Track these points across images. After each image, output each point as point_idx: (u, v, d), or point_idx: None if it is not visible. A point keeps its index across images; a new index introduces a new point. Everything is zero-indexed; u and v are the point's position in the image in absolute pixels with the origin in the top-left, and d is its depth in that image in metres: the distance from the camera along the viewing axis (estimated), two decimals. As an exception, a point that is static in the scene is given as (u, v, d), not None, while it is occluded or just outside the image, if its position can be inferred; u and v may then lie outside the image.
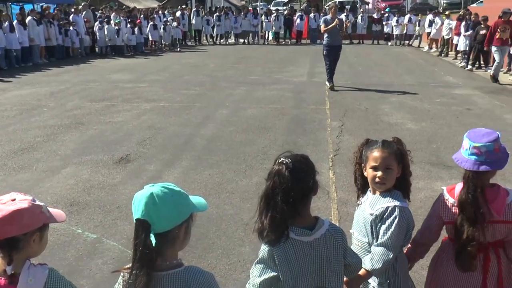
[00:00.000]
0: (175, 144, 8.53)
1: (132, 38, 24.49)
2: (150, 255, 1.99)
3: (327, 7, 31.89)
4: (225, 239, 5.21)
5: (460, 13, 22.57)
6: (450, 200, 2.89)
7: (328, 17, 13.90)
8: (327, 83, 14.10)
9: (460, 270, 2.86)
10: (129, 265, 2.05)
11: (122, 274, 2.12)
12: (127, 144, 8.54)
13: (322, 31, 14.05)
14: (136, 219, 2.02)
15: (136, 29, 24.63)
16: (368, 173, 2.86)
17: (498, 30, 14.54)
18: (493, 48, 15.12)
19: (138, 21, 25.60)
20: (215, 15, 29.76)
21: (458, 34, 20.48)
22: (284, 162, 2.36)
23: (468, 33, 18.75)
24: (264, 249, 2.43)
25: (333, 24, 13.30)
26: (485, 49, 16.03)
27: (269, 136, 9.02)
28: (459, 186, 2.88)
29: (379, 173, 2.80)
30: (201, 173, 7.10)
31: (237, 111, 11.19)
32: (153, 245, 1.98)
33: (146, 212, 1.99)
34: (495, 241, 2.85)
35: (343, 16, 28.70)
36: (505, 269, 2.90)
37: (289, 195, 2.33)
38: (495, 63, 15.09)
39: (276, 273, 2.41)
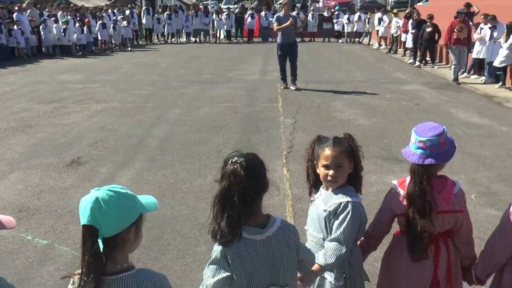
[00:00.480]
0: (128, 145, 8.41)
1: (82, 38, 23.91)
2: (99, 260, 1.94)
3: (278, 5, 32.15)
4: (180, 240, 5.18)
5: (407, 11, 23.08)
6: (401, 193, 2.94)
7: (281, 14, 13.61)
8: (292, 87, 13.61)
9: (412, 261, 2.92)
10: (79, 270, 2.00)
11: (71, 280, 2.07)
12: (78, 146, 8.36)
13: (275, 30, 13.81)
14: (82, 225, 1.98)
15: (85, 28, 24.08)
16: (320, 171, 2.88)
17: (455, 30, 14.52)
18: (452, 49, 15.06)
19: (87, 20, 25.02)
20: (165, 13, 29.43)
21: (406, 32, 21.02)
22: (238, 161, 2.34)
23: (414, 31, 19.19)
24: (216, 250, 2.42)
25: (287, 24, 12.97)
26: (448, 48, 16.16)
27: (223, 135, 9.01)
28: (409, 178, 2.93)
29: (330, 172, 2.82)
30: (154, 174, 7.02)
31: (190, 110, 11.12)
32: (102, 249, 1.94)
33: (92, 218, 1.95)
34: (444, 231, 2.93)
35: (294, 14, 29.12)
36: (454, 258, 2.99)
37: (246, 194, 2.33)
38: (453, 65, 15.06)
39: (230, 273, 2.40)
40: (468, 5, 16.50)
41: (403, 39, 22.08)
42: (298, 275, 2.75)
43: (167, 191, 6.43)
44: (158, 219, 5.51)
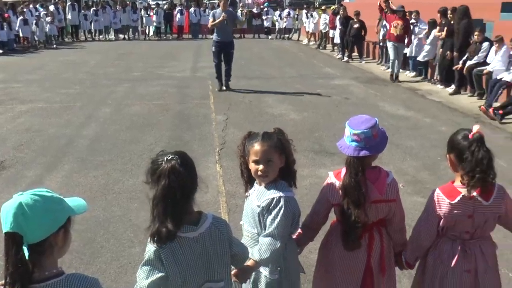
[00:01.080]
0: (56, 147, 8.15)
1: (1, 34, 22.61)
2: (24, 269, 1.87)
3: (207, 2, 32.10)
4: (114, 242, 5.08)
5: (334, 7, 23.55)
6: (337, 184, 3.02)
7: (218, 10, 12.82)
8: (224, 87, 12.93)
9: (346, 250, 3.01)
10: (3, 281, 1.92)
11: None
12: (1, 149, 8.01)
13: (209, 26, 13.38)
14: (4, 233, 1.90)
15: (4, 25, 22.82)
16: (251, 166, 2.90)
17: (392, 25, 14.38)
18: (389, 45, 14.84)
19: (6, 15, 23.75)
20: (92, 9, 28.60)
21: (334, 28, 21.44)
22: (174, 158, 2.33)
23: (341, 27, 19.59)
24: (150, 250, 2.39)
25: (219, 19, 12.31)
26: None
27: (154, 133, 8.90)
28: (344, 170, 3.01)
29: (260, 167, 2.84)
30: (85, 176, 6.84)
31: (120, 108, 10.91)
32: (27, 257, 1.86)
33: (15, 224, 1.87)
34: (378, 220, 3.04)
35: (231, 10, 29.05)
36: (387, 246, 3.11)
37: (187, 189, 2.34)
38: (391, 61, 14.86)
39: (164, 273, 2.38)
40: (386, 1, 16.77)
41: (331, 35, 22.52)
42: (234, 271, 2.77)
43: (99, 192, 6.29)
44: (90, 221, 5.39)
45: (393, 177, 3.05)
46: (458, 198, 2.85)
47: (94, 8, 28.67)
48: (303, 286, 4.01)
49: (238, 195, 5.87)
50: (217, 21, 12.41)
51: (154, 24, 29.85)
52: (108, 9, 28.91)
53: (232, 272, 2.76)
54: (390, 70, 14.96)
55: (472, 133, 2.82)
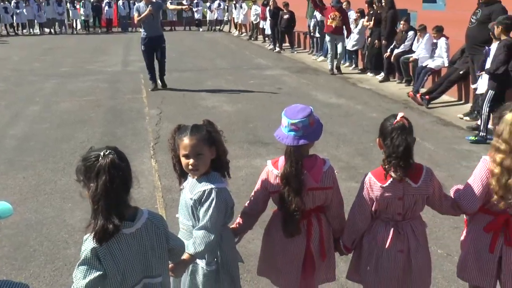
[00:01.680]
0: (-19, 148, 7.79)
1: None
2: None
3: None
4: (48, 244, 4.92)
5: None
6: (275, 172, 3.07)
7: (142, 4, 11.86)
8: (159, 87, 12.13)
9: (285, 237, 3.07)
10: None
11: None
12: None
13: (135, 22, 12.55)
14: None
15: None
16: (182, 160, 2.90)
17: (329, 17, 13.93)
18: (326, 37, 14.62)
19: None
20: (13, 1, 27.35)
21: (264, 19, 21.55)
22: (111, 153, 2.30)
23: (271, 18, 19.69)
24: (86, 249, 2.34)
25: (145, 13, 11.36)
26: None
27: (87, 130, 8.67)
28: (282, 159, 3.06)
29: (190, 161, 2.84)
30: (14, 177, 6.58)
31: (50, 106, 10.55)
32: None
33: None
34: (316, 206, 3.10)
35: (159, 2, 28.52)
36: (326, 231, 3.18)
37: (127, 183, 2.35)
38: (329, 54, 14.51)
39: (102, 272, 2.34)
40: None
41: (261, 26, 22.62)
42: (170, 265, 2.76)
43: (30, 194, 6.06)
44: (21, 225, 5.20)
45: (330, 164, 3.12)
46: (389, 181, 2.95)
47: (15, 0, 27.43)
48: (242, 276, 4.06)
49: (174, 189, 5.81)
50: (142, 15, 11.44)
51: (82, 17, 28.98)
52: (31, 1, 27.74)
53: (169, 266, 2.76)
54: (329, 64, 14.41)
55: (395, 121, 2.93)
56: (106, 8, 29.08)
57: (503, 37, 7.82)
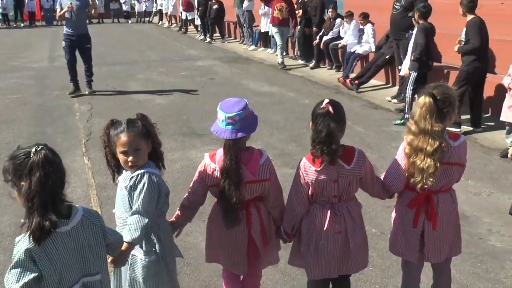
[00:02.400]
0: None
1: None
2: None
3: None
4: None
5: None
6: (212, 166, 3.08)
7: None
8: (86, 91, 10.77)
9: (226, 228, 3.11)
10: None
11: None
12: None
13: (57, 18, 11.82)
14: None
15: None
16: (120, 157, 2.88)
17: (275, 8, 13.25)
18: (273, 29, 13.91)
19: None
20: None
21: (187, 10, 21.42)
22: (43, 149, 2.24)
23: (200, 8, 19.52)
24: (20, 251, 2.24)
25: (64, 9, 10.16)
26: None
27: (13, 129, 8.30)
28: (219, 152, 3.07)
29: (130, 158, 2.84)
30: None
31: (-29, 106, 10.06)
32: None
33: None
34: (253, 197, 3.14)
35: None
36: (266, 218, 3.23)
37: (63, 178, 2.31)
38: (278, 47, 13.80)
39: (37, 274, 2.25)
40: None
41: (184, 17, 22.34)
42: (110, 258, 2.73)
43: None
44: None
45: (267, 156, 3.15)
46: (323, 164, 3.01)
47: None
48: (182, 269, 4.05)
49: (109, 186, 5.70)
50: (62, 11, 10.25)
51: (0, 10, 27.58)
52: None
53: (109, 260, 2.73)
54: (280, 58, 13.68)
55: (320, 107, 3.01)
56: (28, 0, 27.81)
57: (420, 22, 8.13)
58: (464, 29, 7.70)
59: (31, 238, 2.21)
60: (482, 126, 7.87)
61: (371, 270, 4.18)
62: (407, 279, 3.48)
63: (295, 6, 14.12)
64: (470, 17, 7.58)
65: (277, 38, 13.74)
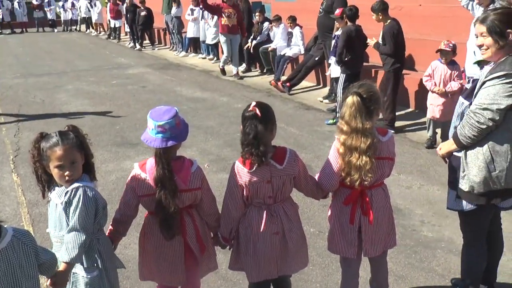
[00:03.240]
0: None
1: None
2: None
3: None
4: None
5: None
6: (143, 175, 3.03)
7: None
8: None
9: (166, 240, 3.07)
10: None
11: None
12: None
13: None
14: None
15: None
16: (54, 172, 2.78)
17: (223, 15, 12.24)
18: (221, 38, 12.75)
19: None
20: None
21: (115, 18, 21.06)
22: None
23: (128, 15, 19.16)
24: None
25: None
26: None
27: None
28: (150, 161, 3.03)
29: (66, 172, 2.75)
30: None
31: None
32: None
33: None
34: (185, 206, 3.10)
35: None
36: (201, 226, 3.20)
37: None
38: (224, 56, 12.84)
39: None
40: None
41: (113, 25, 21.88)
42: (49, 280, 2.64)
43: None
44: None
45: (198, 165, 3.14)
46: (255, 166, 3.03)
47: None
48: (122, 283, 3.95)
49: (41, 203, 5.48)
50: None
51: None
52: None
53: (48, 282, 2.64)
54: (221, 65, 12.95)
55: (248, 110, 3.05)
56: None
57: (348, 24, 8.29)
58: (381, 32, 7.92)
59: None
60: (409, 122, 8.15)
61: (311, 269, 4.23)
62: (347, 275, 3.54)
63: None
64: (387, 21, 7.82)
65: (224, 47, 12.62)
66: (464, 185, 3.32)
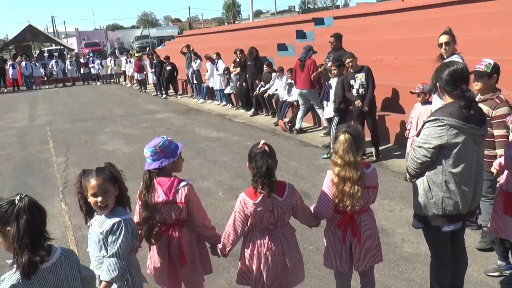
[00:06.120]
0: None
1: None
2: None
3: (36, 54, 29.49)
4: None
5: (138, 55, 23.22)
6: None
7: None
8: None
9: (149, 244, 3.21)
10: None
11: None
12: None
13: None
14: None
15: None
16: (91, 200, 2.83)
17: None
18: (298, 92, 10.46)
19: None
20: None
21: (139, 71, 21.49)
22: (26, 196, 2.24)
23: (154, 69, 19.47)
24: (6, 287, 2.16)
25: None
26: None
27: (-3, 182, 7.93)
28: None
29: (99, 199, 2.79)
30: None
31: (-41, 164, 9.53)
32: None
33: None
34: (176, 220, 3.20)
35: (53, 63, 26.99)
36: (187, 241, 3.24)
37: (45, 220, 2.29)
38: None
39: None
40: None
41: (136, 77, 22.16)
42: None
43: None
44: None
45: (188, 184, 3.20)
46: (260, 198, 3.03)
47: None
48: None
49: (84, 227, 5.39)
50: None
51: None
52: None
53: None
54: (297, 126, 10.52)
55: (258, 147, 3.07)
56: (11, 69, 26.81)
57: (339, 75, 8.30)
58: (361, 77, 7.91)
59: (20, 274, 2.15)
60: (390, 154, 8.11)
61: (309, 281, 4.18)
62: (340, 286, 3.51)
63: (232, 65, 14.18)
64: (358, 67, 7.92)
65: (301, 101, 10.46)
66: (414, 208, 3.37)
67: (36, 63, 27.11)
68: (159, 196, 3.13)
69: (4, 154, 10.12)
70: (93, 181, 2.78)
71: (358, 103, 7.77)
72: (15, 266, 2.18)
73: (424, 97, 6.75)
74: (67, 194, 7.00)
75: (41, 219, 2.26)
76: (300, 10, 62.22)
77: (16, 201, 2.20)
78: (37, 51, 35.12)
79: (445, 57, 5.63)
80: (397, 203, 6.03)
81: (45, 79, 27.44)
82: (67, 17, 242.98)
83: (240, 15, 74.27)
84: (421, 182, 3.25)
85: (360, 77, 7.89)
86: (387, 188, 6.50)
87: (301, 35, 16.05)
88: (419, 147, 3.15)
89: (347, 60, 7.95)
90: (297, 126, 10.47)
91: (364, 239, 3.24)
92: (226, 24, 55.01)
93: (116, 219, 2.79)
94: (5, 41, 49.60)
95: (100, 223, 2.83)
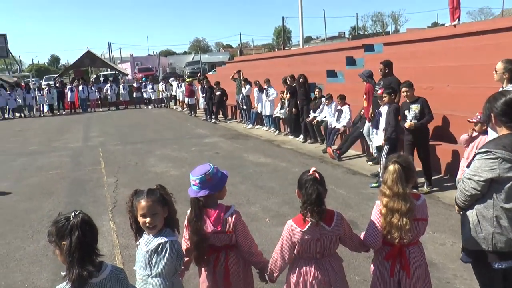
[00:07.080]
0: (-45, 223, 7.25)
1: None
2: None
3: (92, 79, 30.91)
4: (17, 306, 4.58)
5: (189, 80, 23.84)
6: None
7: None
8: None
9: (196, 265, 3.25)
10: None
11: None
12: None
13: None
14: None
15: None
16: (140, 220, 2.90)
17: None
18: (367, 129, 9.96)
19: None
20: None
21: (189, 96, 22.04)
22: (81, 213, 2.35)
23: (204, 95, 19.92)
24: None
25: None
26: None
27: (53, 200, 8.29)
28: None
29: (148, 219, 2.85)
30: (-15, 247, 6.15)
31: (20, 181, 10.05)
32: None
33: None
34: (224, 244, 3.22)
35: (107, 87, 28.29)
36: (234, 265, 3.25)
37: (96, 236, 2.39)
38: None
39: None
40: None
41: (187, 101, 22.67)
42: None
43: None
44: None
45: (235, 214, 3.22)
46: (307, 226, 3.01)
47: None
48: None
49: (131, 246, 5.62)
50: None
51: (47, 101, 28.05)
52: (3, 90, 26.65)
53: None
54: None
55: (308, 174, 3.06)
56: (69, 93, 28.31)
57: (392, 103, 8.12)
58: (418, 105, 7.76)
59: (71, 287, 2.27)
60: (441, 186, 7.86)
61: (355, 313, 4.06)
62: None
63: (284, 91, 14.33)
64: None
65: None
66: (462, 241, 3.26)
67: (92, 87, 28.50)
68: (207, 227, 3.18)
69: (59, 173, 10.58)
70: (143, 202, 2.85)
71: (410, 125, 7.63)
72: (67, 278, 2.29)
73: (481, 127, 6.53)
74: (116, 213, 7.21)
75: (92, 236, 2.37)
76: (350, 36, 62.24)
77: (71, 218, 2.33)
78: (94, 76, 36.86)
79: (503, 86, 5.48)
80: (448, 236, 5.82)
81: (100, 102, 28.75)
82: (123, 44, 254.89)
83: (290, 41, 74.95)
84: (470, 215, 3.14)
85: (415, 108, 7.73)
86: (438, 220, 6.29)
87: (350, 61, 16.06)
88: (469, 179, 3.05)
89: (403, 89, 7.82)
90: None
91: (413, 273, 3.15)
92: (276, 50, 55.71)
93: (162, 240, 2.84)
94: (66, 66, 52.38)
95: (147, 242, 2.90)
